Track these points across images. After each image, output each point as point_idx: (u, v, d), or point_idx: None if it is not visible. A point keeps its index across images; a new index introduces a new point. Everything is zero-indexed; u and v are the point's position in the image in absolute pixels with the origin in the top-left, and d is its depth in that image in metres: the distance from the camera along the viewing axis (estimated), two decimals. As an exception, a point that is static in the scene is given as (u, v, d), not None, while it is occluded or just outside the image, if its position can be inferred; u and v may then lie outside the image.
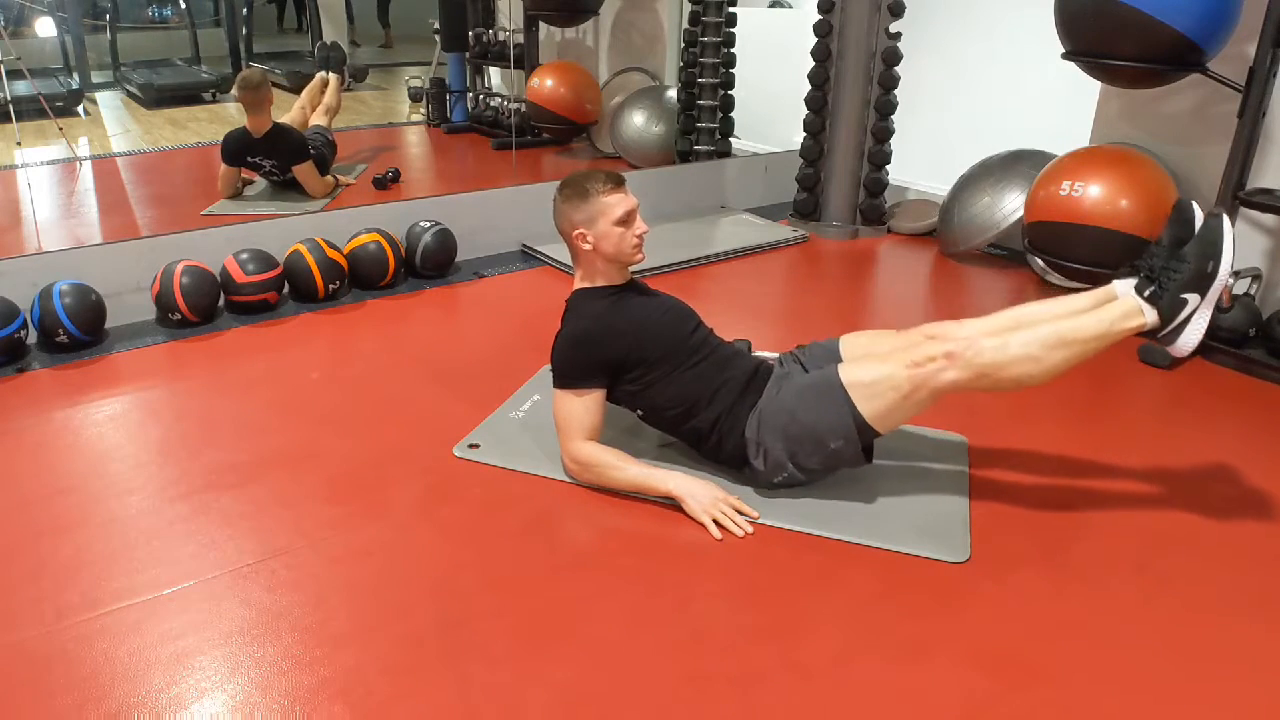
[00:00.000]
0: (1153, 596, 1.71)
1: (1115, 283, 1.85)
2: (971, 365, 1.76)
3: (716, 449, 2.00)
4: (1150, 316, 1.78)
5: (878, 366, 1.86)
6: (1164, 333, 1.79)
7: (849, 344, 2.05)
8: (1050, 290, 3.39)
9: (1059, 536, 1.89)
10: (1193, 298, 1.76)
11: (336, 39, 6.40)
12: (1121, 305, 1.80)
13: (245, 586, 1.69)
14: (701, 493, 1.89)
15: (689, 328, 2.06)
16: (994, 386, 1.81)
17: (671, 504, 1.91)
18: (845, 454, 1.89)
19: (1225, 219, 1.77)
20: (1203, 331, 1.77)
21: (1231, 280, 2.71)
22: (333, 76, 4.79)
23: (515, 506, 1.95)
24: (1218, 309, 2.70)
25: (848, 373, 1.87)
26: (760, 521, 1.88)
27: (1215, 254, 1.75)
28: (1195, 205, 1.82)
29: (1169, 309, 1.77)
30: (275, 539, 1.83)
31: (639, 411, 2.05)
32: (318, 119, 4.61)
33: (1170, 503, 2.03)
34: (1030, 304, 1.94)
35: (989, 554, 1.81)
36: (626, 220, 1.97)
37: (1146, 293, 1.79)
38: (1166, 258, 1.79)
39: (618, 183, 1.98)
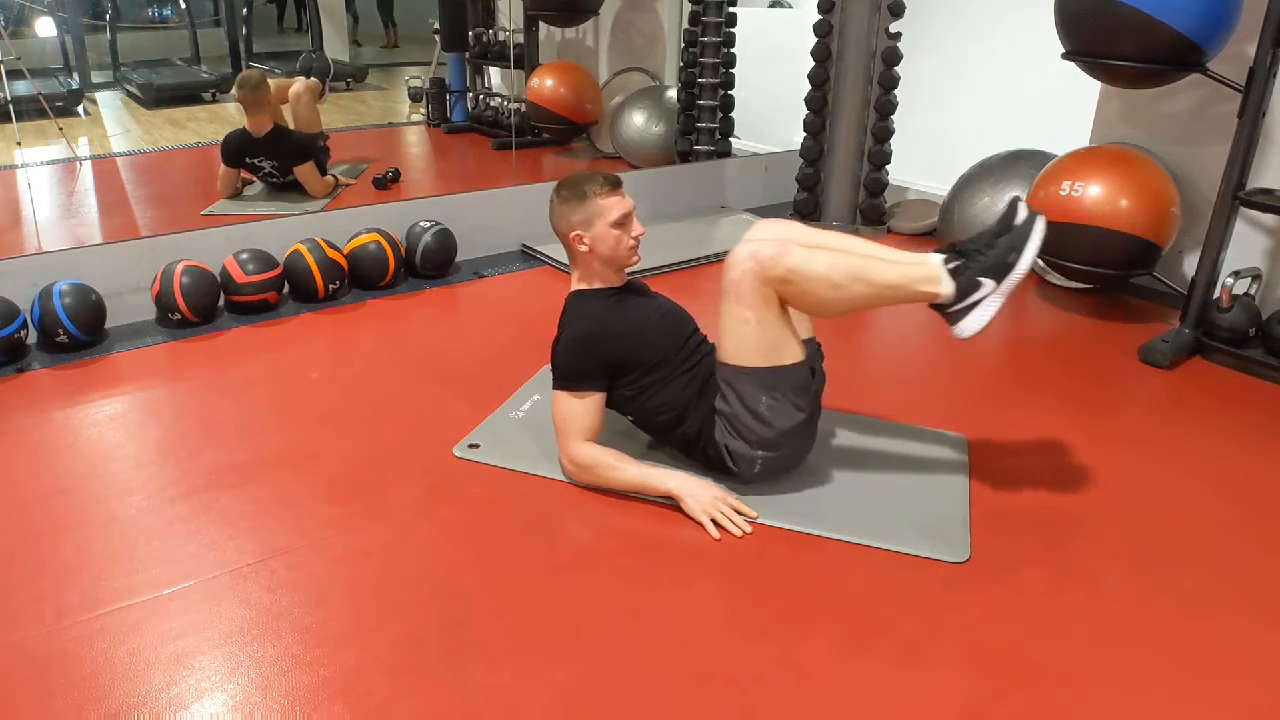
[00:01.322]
0: (1152, 596, 1.71)
1: (930, 254, 1.89)
2: (776, 262, 1.79)
3: (704, 456, 2.00)
4: (946, 288, 1.81)
5: (722, 321, 1.89)
6: (953, 309, 1.82)
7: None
8: (1050, 289, 3.39)
9: (1059, 536, 1.89)
10: (988, 283, 1.79)
11: (339, 41, 6.40)
12: (927, 269, 1.83)
13: (245, 586, 1.69)
14: (701, 492, 1.89)
15: (686, 332, 2.06)
16: (794, 299, 1.84)
17: (671, 504, 1.91)
18: (783, 404, 1.90)
19: (1040, 220, 1.81)
20: (987, 320, 1.80)
21: (1231, 280, 2.72)
22: (311, 81, 4.58)
23: (515, 506, 1.95)
24: (1217, 308, 2.72)
25: (719, 349, 1.93)
26: (759, 521, 1.88)
27: (1019, 247, 1.79)
28: (1024, 204, 1.86)
29: (965, 287, 1.80)
30: (275, 539, 1.83)
31: (630, 417, 2.05)
32: (307, 125, 4.51)
33: (1170, 502, 2.03)
34: (857, 238, 1.98)
35: (989, 554, 1.81)
36: (623, 223, 1.97)
37: (951, 265, 1.82)
38: (981, 244, 1.84)
39: (615, 185, 1.98)
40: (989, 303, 1.80)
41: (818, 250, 1.84)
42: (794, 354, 1.89)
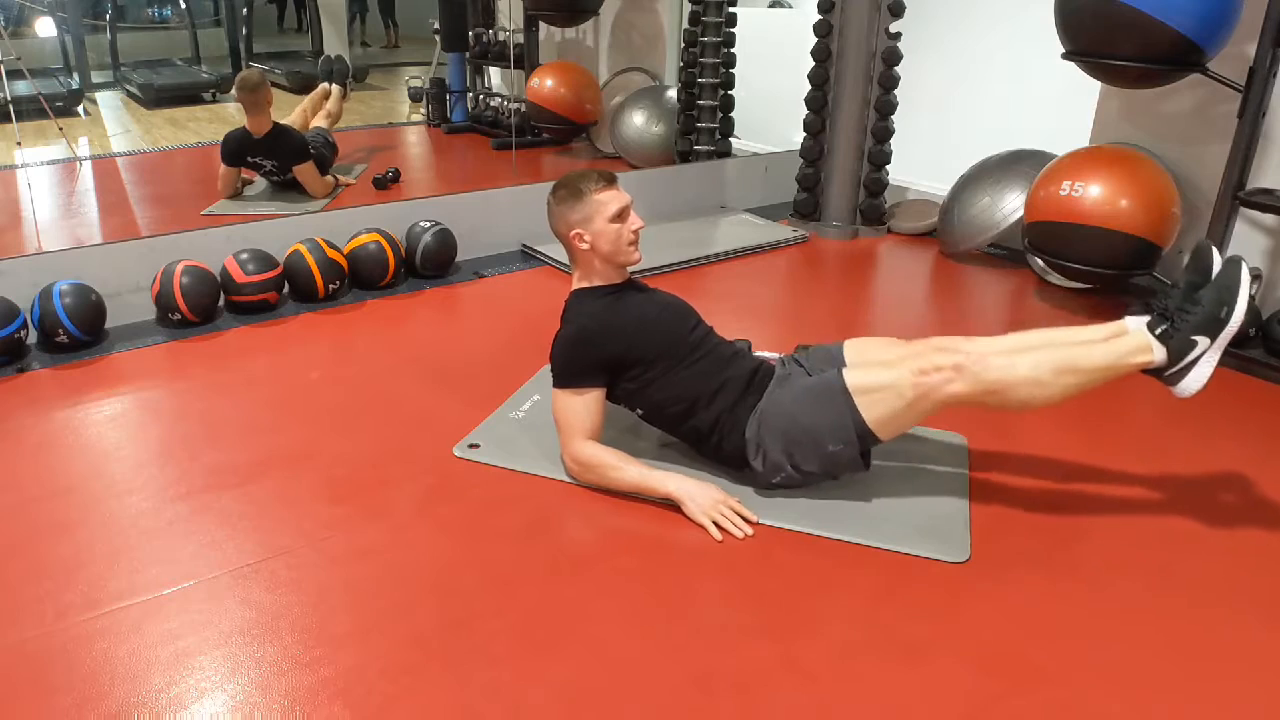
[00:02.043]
0: (1152, 596, 1.71)
1: (1127, 318, 1.87)
2: (979, 380, 1.77)
3: (717, 448, 2.00)
4: (1159, 355, 1.78)
5: (883, 372, 1.86)
6: (1170, 372, 1.80)
7: (853, 349, 2.05)
8: (1050, 289, 3.39)
9: (1059, 536, 1.89)
10: (1202, 340, 1.76)
11: (338, 42, 6.41)
12: (1132, 340, 1.81)
13: (245, 586, 1.69)
14: (701, 495, 1.89)
15: (688, 325, 2.06)
16: (999, 405, 1.82)
17: (672, 505, 1.91)
18: (843, 458, 1.89)
19: (1244, 266, 1.77)
20: (1208, 376, 1.77)
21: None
22: (335, 87, 4.82)
23: (515, 506, 1.95)
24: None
25: (852, 376, 1.87)
26: (761, 522, 1.88)
27: (1230, 300, 1.75)
28: (1215, 250, 1.83)
29: (1178, 349, 1.77)
30: (275, 539, 1.83)
31: (639, 411, 2.05)
32: (319, 122, 4.62)
33: (1170, 502, 2.03)
34: (1041, 330, 1.95)
35: (989, 554, 1.81)
36: (621, 216, 1.97)
37: (1158, 330, 1.79)
38: (1182, 299, 1.80)
39: (609, 180, 1.99)
40: (1207, 359, 1.77)
41: (1016, 354, 1.81)
42: (887, 434, 1.88)
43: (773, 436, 1.92)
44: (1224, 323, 1.75)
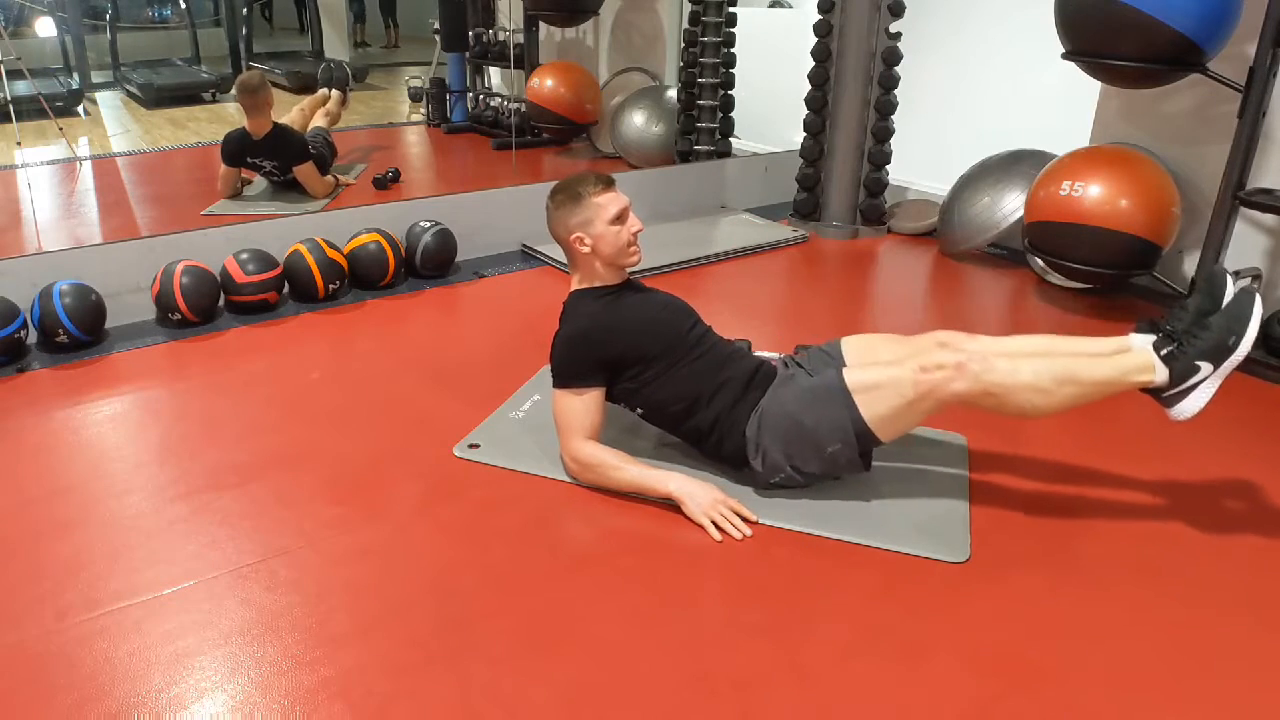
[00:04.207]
0: (1152, 596, 1.71)
1: (1132, 335, 1.86)
2: (980, 381, 1.77)
3: (717, 448, 2.00)
4: (1161, 375, 1.78)
5: (884, 371, 1.86)
6: (1169, 394, 1.79)
7: (851, 346, 2.05)
8: (1050, 289, 3.39)
9: (1059, 536, 1.89)
10: (1206, 366, 1.75)
11: (338, 42, 6.42)
12: (1137, 358, 1.80)
13: (245, 586, 1.69)
14: (701, 494, 1.89)
15: (687, 325, 2.06)
16: (996, 407, 1.81)
17: (671, 504, 1.91)
18: (843, 459, 1.89)
19: (1258, 297, 1.76)
20: (1205, 402, 1.77)
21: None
22: (335, 93, 4.85)
23: (515, 506, 1.95)
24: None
25: (851, 376, 1.87)
26: (760, 522, 1.88)
27: (1240, 330, 1.74)
28: (1230, 277, 1.83)
29: (1182, 372, 1.77)
30: (275, 539, 1.83)
31: (639, 410, 2.05)
32: (318, 121, 4.63)
33: (1169, 502, 2.03)
34: (1046, 335, 1.95)
35: (989, 554, 1.81)
36: (620, 218, 1.98)
37: (1164, 351, 1.79)
38: (1190, 322, 1.79)
39: (608, 183, 1.99)
40: (1207, 385, 1.76)
41: (1020, 358, 1.81)
42: (889, 435, 1.88)
43: (772, 437, 1.92)
44: (1230, 351, 1.74)
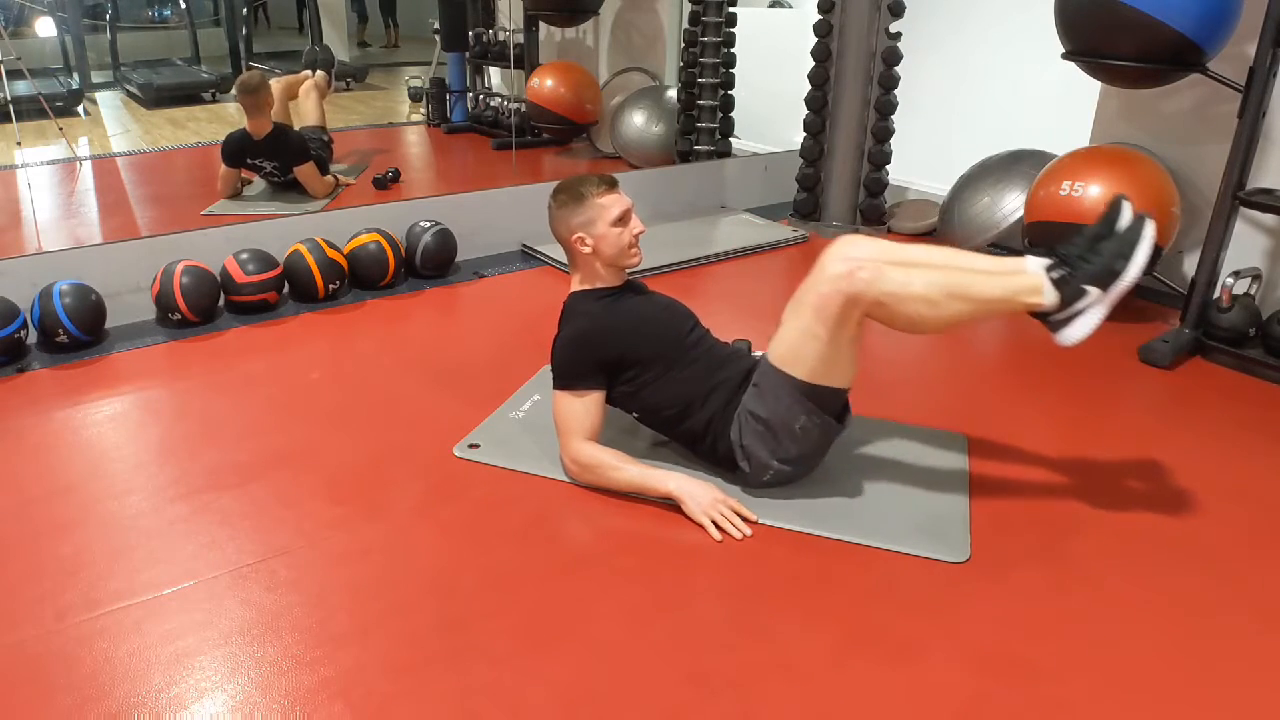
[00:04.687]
0: (1152, 596, 1.71)
1: (1027, 258, 1.85)
2: (872, 287, 1.75)
3: (711, 451, 2.00)
4: (1050, 298, 1.77)
5: (790, 324, 1.86)
6: (1056, 317, 1.79)
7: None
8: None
9: (1059, 536, 1.89)
10: (1094, 291, 1.75)
11: (339, 42, 6.41)
12: (1028, 279, 1.79)
13: (245, 586, 1.69)
14: (701, 494, 1.89)
15: (685, 328, 2.06)
16: (887, 319, 1.80)
17: (671, 504, 1.91)
18: (815, 428, 1.89)
19: (1149, 224, 1.76)
20: (1091, 328, 1.76)
21: (1231, 280, 2.72)
22: (320, 73, 4.74)
23: (515, 506, 1.95)
24: (1218, 308, 2.72)
25: (772, 350, 1.90)
26: (760, 521, 1.88)
27: (1129, 253, 1.74)
28: (1128, 205, 1.82)
29: (1070, 296, 1.76)
30: (275, 539, 1.83)
31: (634, 413, 2.06)
32: (309, 105, 4.55)
33: (1170, 502, 2.03)
34: (947, 249, 1.92)
35: (989, 554, 1.81)
36: (623, 220, 1.98)
37: (1055, 274, 1.78)
38: (1084, 248, 1.79)
39: (611, 184, 1.99)
40: (1093, 311, 1.76)
41: (914, 269, 1.80)
42: (844, 378, 1.88)
43: (750, 437, 1.93)
44: (1118, 275, 1.74)
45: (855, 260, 1.78)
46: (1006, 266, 1.85)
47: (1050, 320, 1.80)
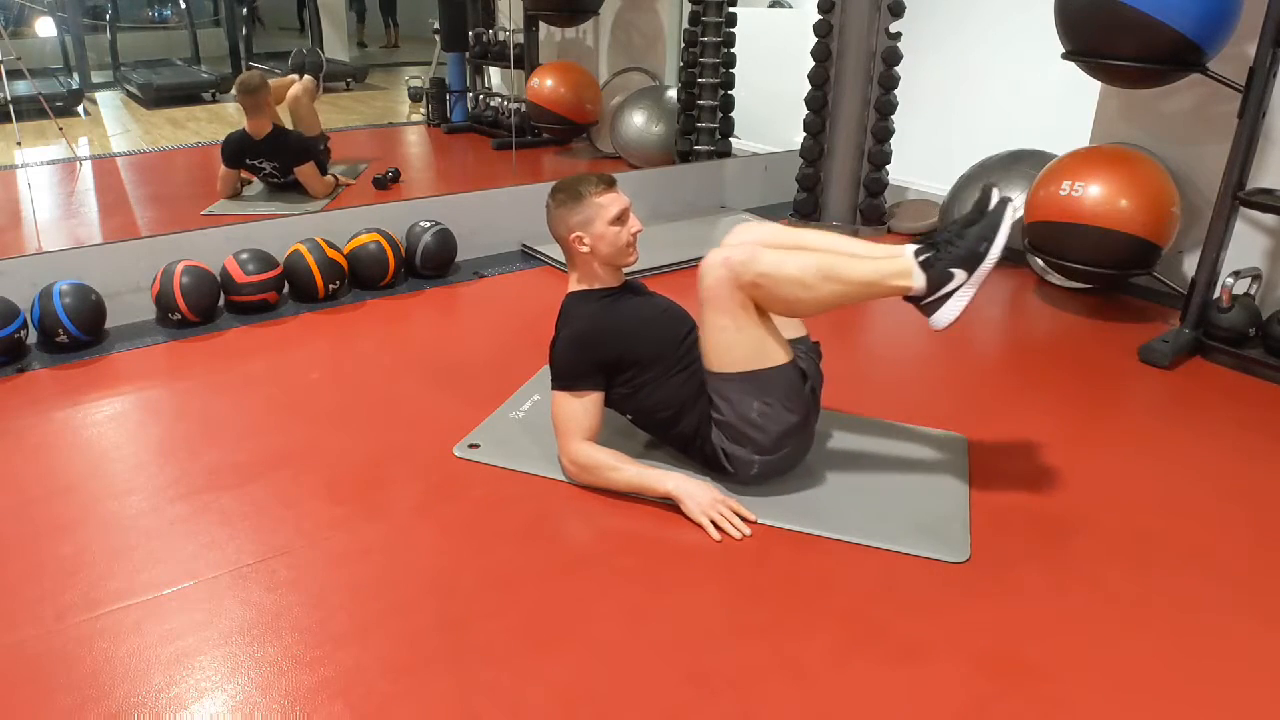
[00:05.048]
0: (1152, 596, 1.71)
1: (906, 245, 1.87)
2: (746, 268, 1.79)
3: (701, 453, 2.01)
4: (919, 281, 1.79)
5: (703, 330, 1.91)
6: (926, 301, 1.81)
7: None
8: (1050, 289, 3.39)
9: (1059, 536, 1.89)
10: (960, 274, 1.77)
11: (339, 42, 6.41)
12: (899, 263, 1.82)
13: (245, 586, 1.69)
14: (700, 494, 1.89)
15: (682, 331, 2.06)
16: (767, 301, 1.84)
17: (670, 504, 1.91)
18: (776, 408, 1.90)
19: (1010, 207, 1.80)
20: (959, 311, 1.79)
21: (1231, 280, 2.72)
22: (307, 78, 4.67)
23: (515, 506, 1.95)
24: (1217, 308, 2.72)
25: (706, 357, 1.93)
26: (759, 521, 1.88)
27: (991, 235, 1.77)
28: (996, 191, 1.84)
29: (937, 279, 1.78)
30: (275, 539, 1.83)
31: (629, 415, 2.06)
32: (306, 130, 4.53)
33: (1170, 502, 2.03)
34: (832, 234, 1.97)
35: (989, 553, 1.81)
36: (621, 218, 1.98)
37: (923, 258, 1.81)
38: (953, 234, 1.82)
39: (609, 183, 1.99)
40: (961, 294, 1.79)
41: (790, 252, 1.84)
42: (778, 356, 1.90)
43: (724, 438, 1.95)
44: (981, 257, 1.77)
45: (729, 246, 1.86)
46: (882, 251, 1.88)
47: (922, 305, 1.83)
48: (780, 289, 1.81)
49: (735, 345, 1.87)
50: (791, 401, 1.91)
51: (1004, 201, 1.81)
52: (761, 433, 1.91)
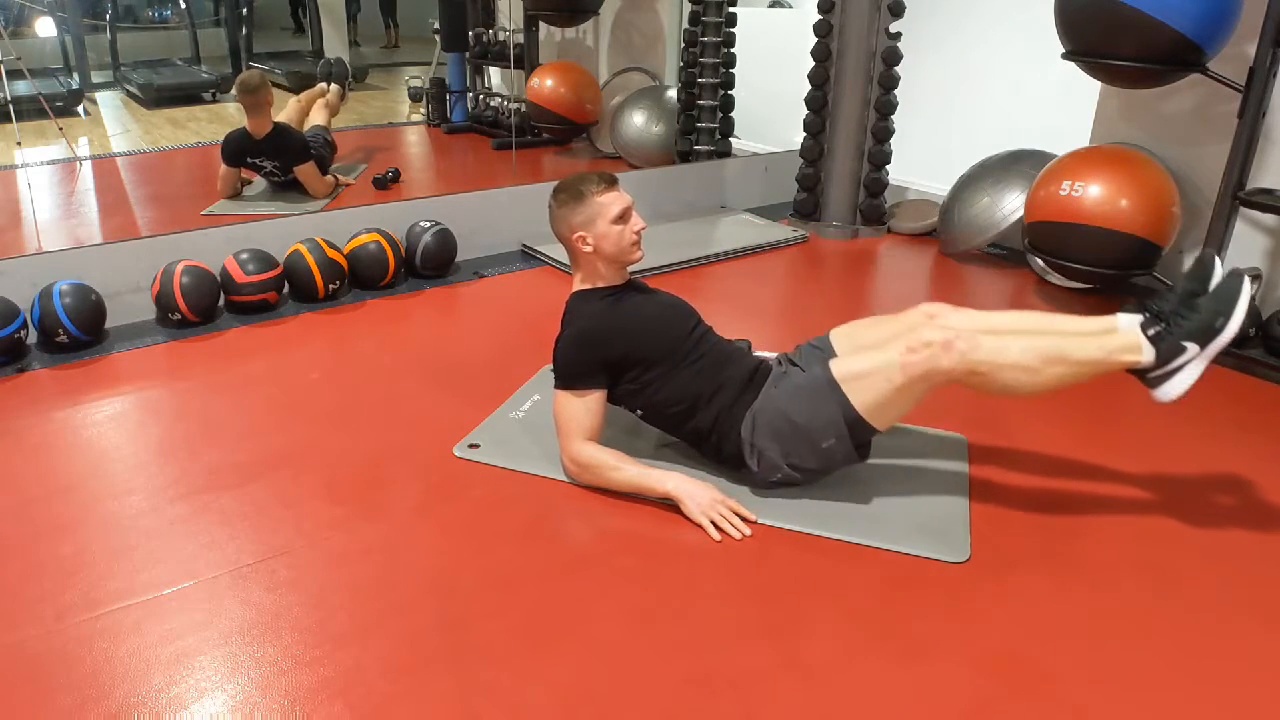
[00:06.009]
0: (1153, 596, 1.71)
1: (1119, 315, 1.86)
2: (966, 359, 1.76)
3: (716, 449, 2.00)
4: (1148, 355, 1.78)
5: (871, 357, 1.86)
6: (1155, 374, 1.79)
7: (839, 337, 2.06)
8: (1050, 289, 3.39)
9: (1059, 536, 1.89)
10: (1192, 347, 1.76)
11: (338, 42, 6.41)
12: (1124, 338, 1.80)
13: (245, 586, 1.69)
14: (700, 494, 1.89)
15: (689, 326, 2.06)
16: (982, 386, 1.80)
17: (670, 504, 1.91)
18: (839, 452, 1.89)
19: (1247, 280, 1.77)
20: (1190, 383, 1.77)
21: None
22: (334, 87, 4.89)
23: (515, 506, 1.95)
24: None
25: (840, 366, 1.87)
26: (760, 521, 1.88)
27: (1228, 311, 1.75)
28: (1218, 261, 1.83)
29: (1168, 353, 1.76)
30: (275, 539, 1.83)
31: (639, 411, 2.05)
32: (317, 116, 4.62)
33: (1170, 502, 2.03)
34: (1033, 313, 1.94)
35: (989, 554, 1.81)
36: (623, 217, 1.98)
37: (1151, 331, 1.79)
38: (1178, 303, 1.79)
39: (610, 182, 1.99)
40: (1193, 367, 1.76)
41: (1006, 336, 1.81)
42: (888, 423, 1.89)
43: (767, 436, 1.92)
44: (1218, 332, 1.75)
45: (953, 330, 1.79)
46: (1098, 326, 1.85)
47: (1148, 377, 1.81)
48: (1001, 374, 1.77)
49: (881, 395, 1.82)
50: (848, 455, 1.91)
51: (1238, 274, 1.77)
52: (814, 457, 1.90)
